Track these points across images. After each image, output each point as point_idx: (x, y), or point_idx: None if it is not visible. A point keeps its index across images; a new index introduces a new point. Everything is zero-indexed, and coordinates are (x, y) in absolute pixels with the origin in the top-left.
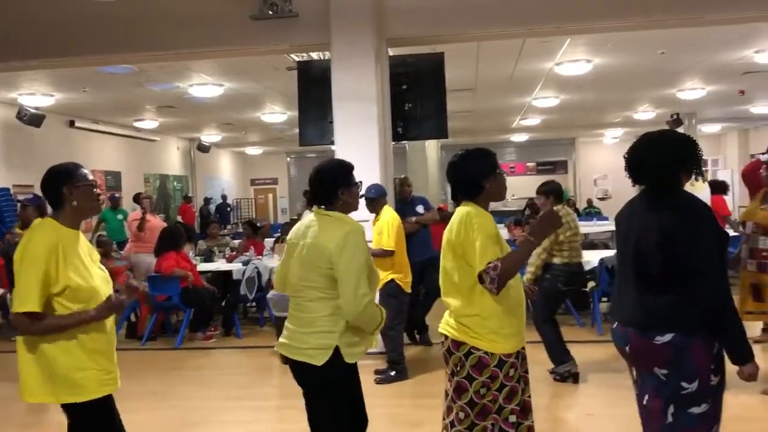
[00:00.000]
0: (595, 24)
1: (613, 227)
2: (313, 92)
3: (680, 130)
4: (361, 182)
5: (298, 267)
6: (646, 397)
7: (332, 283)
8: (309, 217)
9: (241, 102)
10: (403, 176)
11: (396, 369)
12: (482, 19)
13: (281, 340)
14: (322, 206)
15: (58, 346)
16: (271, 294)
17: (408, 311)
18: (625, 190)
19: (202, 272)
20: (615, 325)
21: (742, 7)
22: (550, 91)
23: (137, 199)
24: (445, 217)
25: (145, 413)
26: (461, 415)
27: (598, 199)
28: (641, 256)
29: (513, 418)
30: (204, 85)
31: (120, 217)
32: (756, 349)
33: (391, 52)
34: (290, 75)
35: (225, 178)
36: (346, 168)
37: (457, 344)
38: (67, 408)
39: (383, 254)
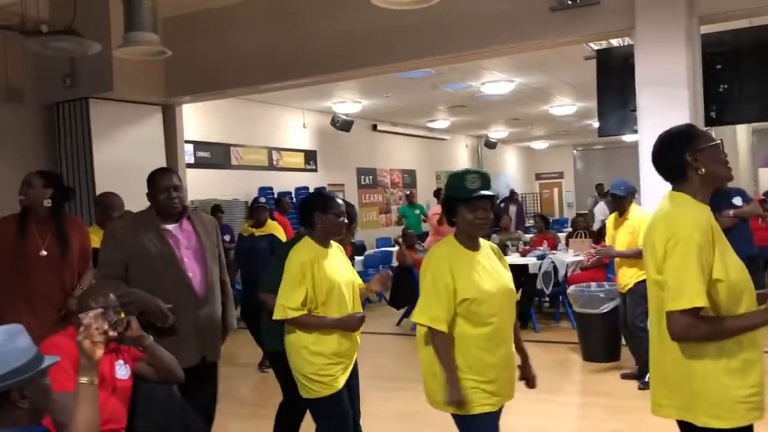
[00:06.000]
0: None
1: None
2: (613, 81)
3: None
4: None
5: None
6: None
7: None
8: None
9: (530, 96)
10: None
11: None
12: None
13: None
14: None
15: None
16: (571, 289)
17: None
18: None
19: None
20: None
21: None
22: None
23: (438, 194)
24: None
25: None
26: None
27: None
28: None
29: None
30: (496, 83)
31: (417, 212)
32: None
33: (704, 30)
34: (582, 65)
35: (510, 173)
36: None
37: None
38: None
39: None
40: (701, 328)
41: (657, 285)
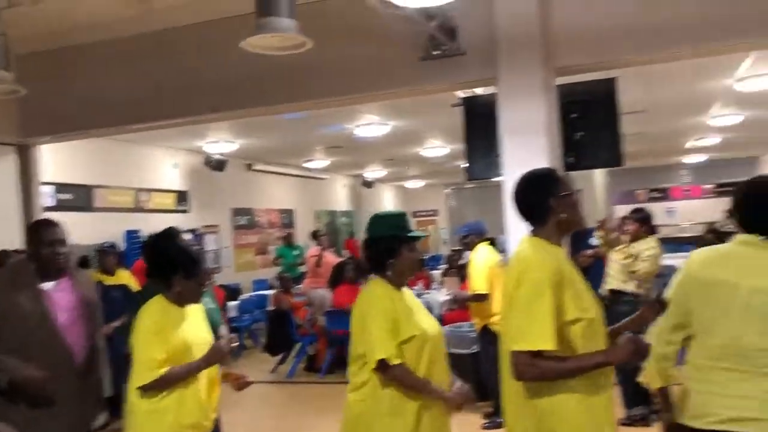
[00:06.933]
0: None
1: None
2: (479, 127)
3: None
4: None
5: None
6: None
7: None
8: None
9: (404, 139)
10: None
11: None
12: (657, 41)
13: (718, 412)
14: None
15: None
16: (444, 329)
17: None
18: None
19: None
20: None
21: None
22: (730, 109)
23: (315, 236)
24: None
25: None
26: None
27: None
28: None
29: None
30: (370, 125)
31: (295, 253)
32: None
33: (560, 80)
34: (452, 110)
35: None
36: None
37: None
38: None
39: (475, 299)
40: (539, 368)
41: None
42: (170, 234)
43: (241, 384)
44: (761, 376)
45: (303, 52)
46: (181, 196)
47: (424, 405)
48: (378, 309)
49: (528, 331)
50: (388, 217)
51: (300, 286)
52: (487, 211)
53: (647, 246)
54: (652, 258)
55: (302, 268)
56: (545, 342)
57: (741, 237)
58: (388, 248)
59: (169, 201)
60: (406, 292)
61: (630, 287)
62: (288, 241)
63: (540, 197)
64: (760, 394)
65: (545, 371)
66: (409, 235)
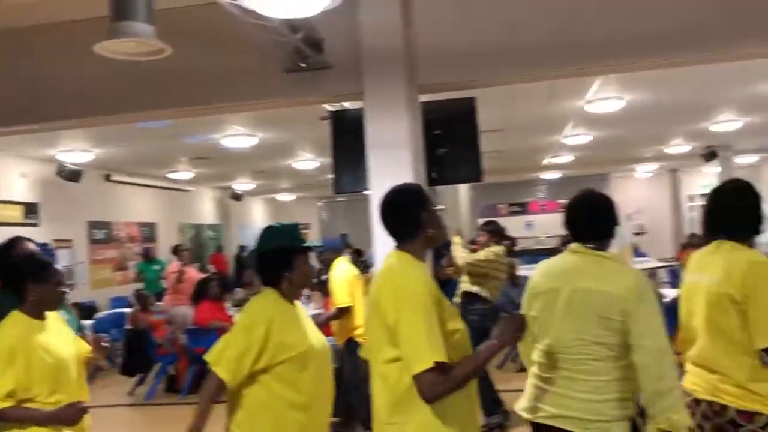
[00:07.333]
0: (626, 63)
1: (654, 263)
2: (347, 141)
3: (715, 162)
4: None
5: (570, 318)
6: None
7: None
8: (568, 256)
9: (274, 151)
10: None
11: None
12: (515, 63)
13: (548, 408)
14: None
15: None
16: None
17: None
18: (662, 224)
19: None
20: None
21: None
22: (581, 129)
23: (176, 251)
24: None
25: None
26: None
27: (634, 234)
28: None
29: None
30: (237, 136)
31: (157, 267)
32: None
33: (423, 98)
34: (321, 123)
35: (258, 225)
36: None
37: (749, 415)
38: None
39: (338, 314)
40: (447, 381)
41: (387, 361)
42: (13, 242)
43: (100, 346)
44: (581, 375)
45: (163, 58)
46: (30, 209)
47: (307, 424)
48: (243, 324)
49: (424, 349)
50: (281, 228)
51: (160, 303)
52: (358, 224)
53: (488, 250)
54: (484, 253)
55: (164, 284)
56: (440, 354)
57: (570, 246)
58: (283, 260)
59: (16, 213)
60: (298, 305)
61: (482, 291)
62: (148, 256)
63: (411, 212)
64: (580, 395)
65: (453, 380)
66: (303, 245)
